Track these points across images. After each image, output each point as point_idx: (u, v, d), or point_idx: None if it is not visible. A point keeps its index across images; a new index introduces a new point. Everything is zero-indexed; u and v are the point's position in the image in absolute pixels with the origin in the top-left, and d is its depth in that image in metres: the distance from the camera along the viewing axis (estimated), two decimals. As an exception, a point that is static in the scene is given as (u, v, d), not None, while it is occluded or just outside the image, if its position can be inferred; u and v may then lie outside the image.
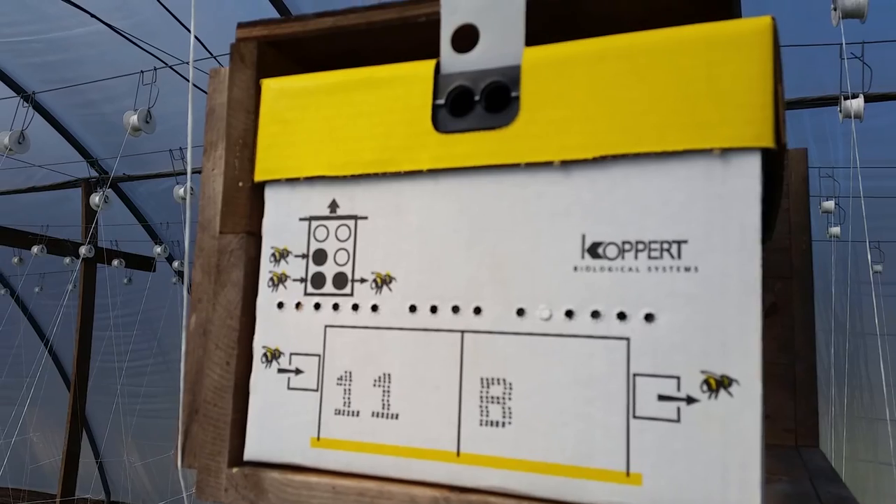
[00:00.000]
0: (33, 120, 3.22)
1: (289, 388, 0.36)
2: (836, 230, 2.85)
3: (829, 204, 2.77)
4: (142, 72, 2.69)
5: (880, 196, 2.68)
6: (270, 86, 0.38)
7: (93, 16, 2.73)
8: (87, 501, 4.94)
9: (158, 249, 4.17)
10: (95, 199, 3.42)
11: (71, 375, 4.05)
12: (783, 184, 0.39)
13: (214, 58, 2.39)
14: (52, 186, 4.01)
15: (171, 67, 2.63)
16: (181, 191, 3.13)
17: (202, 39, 2.28)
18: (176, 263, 4.28)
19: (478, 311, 0.33)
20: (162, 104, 2.75)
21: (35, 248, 3.97)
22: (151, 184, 3.95)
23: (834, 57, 2.04)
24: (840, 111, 1.97)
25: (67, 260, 4.19)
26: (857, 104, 1.91)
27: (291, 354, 0.36)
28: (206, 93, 0.45)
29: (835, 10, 1.54)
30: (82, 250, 3.77)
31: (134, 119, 2.58)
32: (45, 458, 5.33)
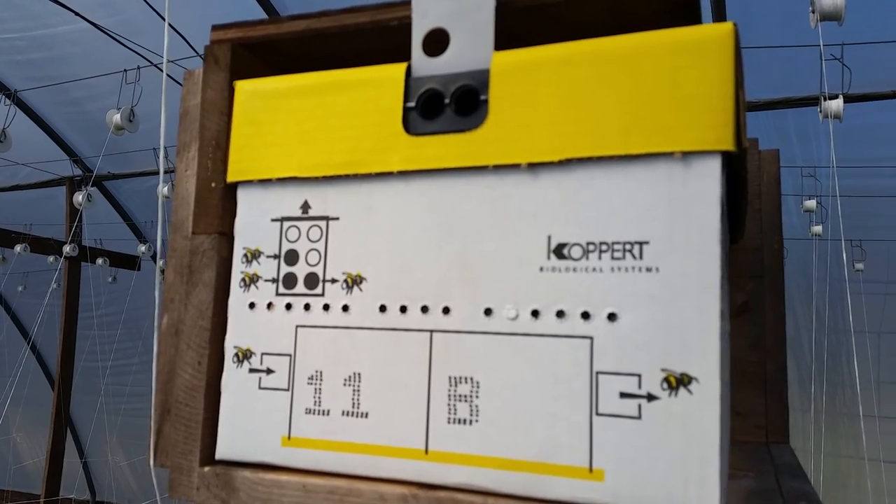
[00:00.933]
0: (17, 118, 3.19)
1: (260, 387, 0.36)
2: (818, 229, 2.88)
3: (811, 203, 2.80)
4: (125, 70, 2.67)
5: (862, 195, 2.71)
6: (244, 87, 0.39)
7: (77, 14, 2.71)
8: (72, 501, 4.90)
9: (143, 248, 4.14)
10: (79, 197, 3.39)
11: (55, 375, 4.02)
12: (747, 184, 0.40)
13: (200, 56, 2.38)
14: (35, 185, 3.97)
15: (155, 66, 2.62)
16: (166, 189, 3.11)
17: (187, 37, 2.27)
18: (161, 262, 4.26)
19: (446, 310, 0.34)
20: (146, 103, 2.73)
21: (18, 247, 3.93)
22: (136, 182, 3.92)
23: (816, 57, 2.07)
24: (820, 112, 2.00)
25: (51, 259, 4.15)
26: (836, 105, 1.93)
27: (263, 354, 0.37)
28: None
29: (813, 12, 1.56)
30: (66, 249, 3.74)
31: (117, 118, 2.57)
32: (28, 458, 5.28)
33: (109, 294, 4.42)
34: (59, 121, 3.68)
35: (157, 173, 3.45)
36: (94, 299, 4.27)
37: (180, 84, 0.47)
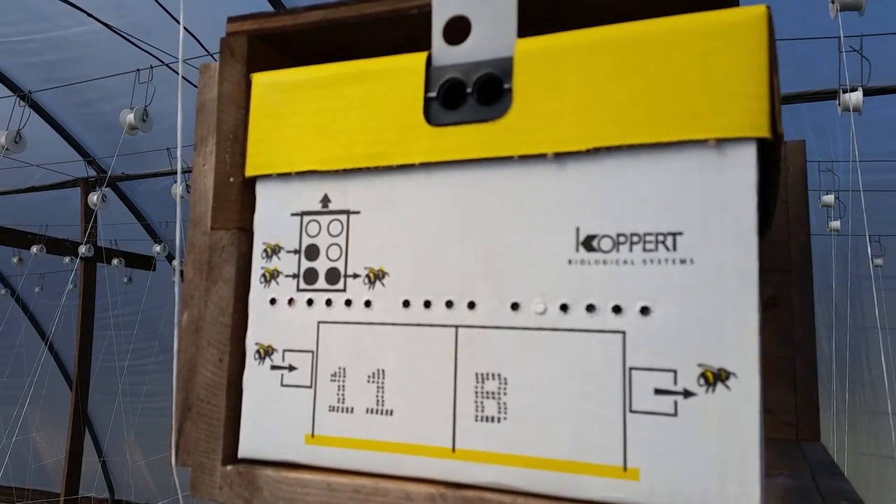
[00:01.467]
0: (31, 120, 3.21)
1: (282, 384, 0.36)
2: (836, 224, 2.84)
3: (829, 198, 2.77)
4: (138, 70, 2.68)
5: (880, 189, 2.67)
6: (261, 80, 0.38)
7: (90, 15, 2.72)
8: (91, 500, 4.94)
9: (158, 248, 4.16)
10: (94, 198, 3.41)
11: (72, 375, 4.05)
12: (780, 175, 0.39)
13: (211, 55, 2.39)
14: (50, 186, 4.00)
15: (167, 66, 2.63)
16: (181, 189, 3.12)
17: (198, 37, 2.27)
18: (175, 262, 4.28)
19: (472, 305, 0.33)
20: (159, 102, 2.74)
21: (34, 248, 3.97)
22: (150, 182, 3.94)
23: (832, 50, 2.04)
24: (839, 105, 1.97)
25: (67, 259, 4.18)
26: (855, 97, 1.90)
27: (284, 351, 0.36)
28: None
29: (833, 2, 1.53)
30: (81, 250, 3.77)
31: (131, 118, 2.58)
32: (48, 457, 5.33)
33: (125, 294, 4.45)
34: (73, 122, 3.71)
35: (171, 173, 3.47)
36: (110, 300, 4.30)
37: (193, 84, 0.46)
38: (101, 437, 5.05)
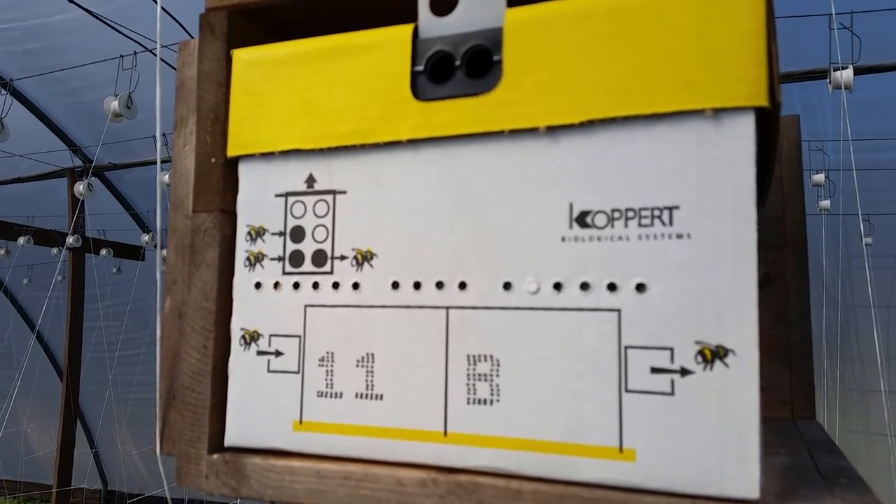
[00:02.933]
0: (15, 110, 3.16)
1: (269, 370, 0.35)
2: (825, 203, 2.85)
3: (819, 177, 2.77)
4: (121, 56, 2.64)
5: (870, 168, 2.68)
6: (241, 56, 0.37)
7: (72, 1, 2.67)
8: (84, 491, 4.93)
9: (146, 238, 4.13)
10: (80, 187, 3.37)
11: (63, 366, 4.03)
12: (777, 149, 0.38)
13: (193, 38, 2.35)
14: (36, 177, 3.95)
15: (150, 52, 2.59)
16: (166, 177, 3.09)
17: (181, 21, 2.24)
18: (163, 250, 4.25)
19: (463, 286, 0.32)
20: (146, 90, 2.70)
21: (21, 240, 3.92)
22: (138, 172, 3.90)
23: (822, 29, 2.03)
24: (829, 82, 1.96)
25: (55, 250, 4.14)
26: (846, 75, 1.90)
27: (271, 336, 0.35)
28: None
29: (824, -22, 1.52)
30: (69, 240, 3.73)
31: (115, 105, 2.54)
32: (39, 449, 5.31)
33: (114, 285, 4.41)
34: (58, 111, 3.65)
35: (156, 162, 3.43)
36: (98, 290, 4.26)
37: (166, 62, 0.45)
38: (92, 428, 5.04)
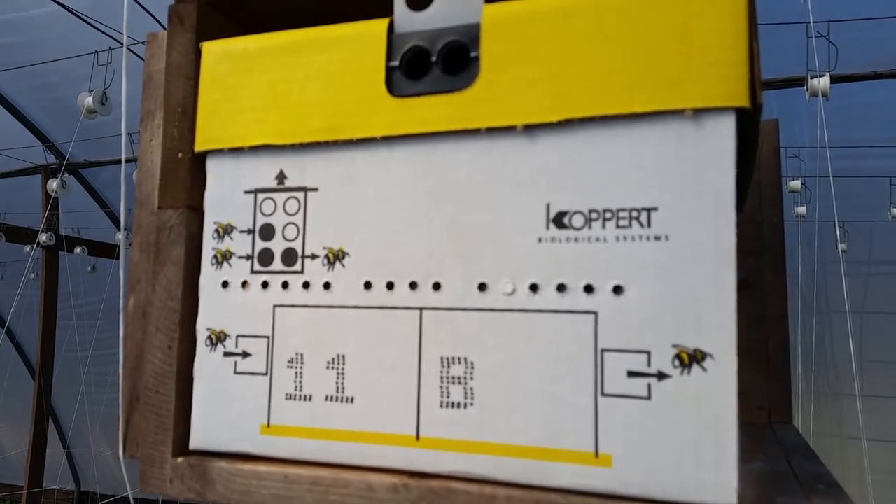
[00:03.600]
0: (-13, 104, 3.10)
1: (236, 372, 0.34)
2: (802, 210, 2.88)
3: (796, 184, 2.80)
4: (96, 52, 2.60)
5: (845, 175, 2.72)
6: (211, 49, 0.35)
7: (47, -5, 2.63)
8: (56, 492, 4.85)
9: (121, 236, 4.07)
10: (53, 184, 3.32)
11: (35, 365, 3.95)
12: (756, 152, 0.37)
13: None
14: (9, 173, 3.88)
15: (128, 48, 2.54)
16: (134, 176, 3.04)
17: (156, 16, 2.20)
18: (121, 237, 4.19)
19: (437, 286, 0.31)
20: (120, 86, 2.66)
21: (-7, 237, 3.85)
22: (113, 170, 3.84)
23: (800, 37, 2.05)
24: (807, 90, 1.98)
25: (27, 248, 4.07)
26: (823, 82, 1.92)
27: (238, 337, 0.34)
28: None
29: (802, -14, 1.54)
30: (42, 238, 3.66)
31: (89, 101, 2.49)
32: (10, 449, 5.21)
33: (88, 283, 4.34)
34: (32, 107, 3.59)
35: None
36: (72, 289, 4.20)
37: (136, 55, 0.44)
38: (65, 427, 4.95)
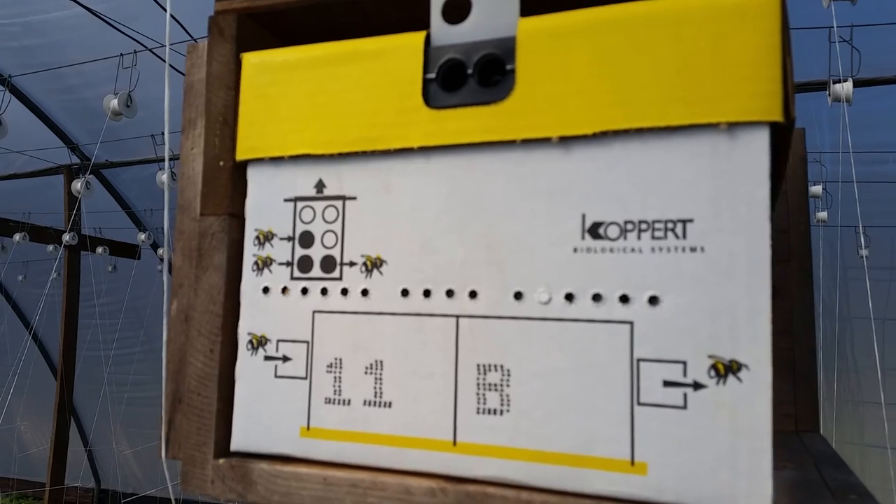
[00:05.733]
0: (12, 106, 3.15)
1: (276, 376, 0.35)
2: (823, 215, 2.85)
3: (817, 189, 2.77)
4: (121, 55, 2.64)
5: (866, 181, 2.69)
6: (251, 60, 0.36)
7: (72, -2, 2.67)
8: (77, 489, 4.91)
9: (143, 236, 4.12)
10: (77, 185, 3.36)
11: (57, 364, 4.01)
12: (787, 162, 0.38)
13: (195, 40, 2.34)
14: (33, 174, 3.94)
15: (150, 51, 2.58)
16: (163, 176, 3.08)
17: (181, 21, 2.23)
18: (161, 251, 4.23)
19: (473, 294, 0.32)
20: (144, 89, 2.70)
21: (17, 236, 3.91)
22: (135, 170, 3.89)
23: (821, 42, 2.03)
24: (829, 95, 1.97)
25: (51, 248, 4.13)
26: (846, 87, 1.90)
27: (278, 341, 0.35)
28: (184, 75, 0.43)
29: (826, -9, 1.53)
30: (65, 238, 3.72)
31: (114, 103, 2.53)
32: (33, 446, 5.28)
33: (110, 283, 4.40)
34: (56, 109, 3.64)
35: (156, 161, 3.42)
36: (94, 288, 4.25)
37: (178, 70, 0.45)
38: (86, 426, 5.01)
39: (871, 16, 2.10)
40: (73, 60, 3.12)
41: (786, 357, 0.51)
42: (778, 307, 0.52)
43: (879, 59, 2.26)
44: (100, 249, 4.05)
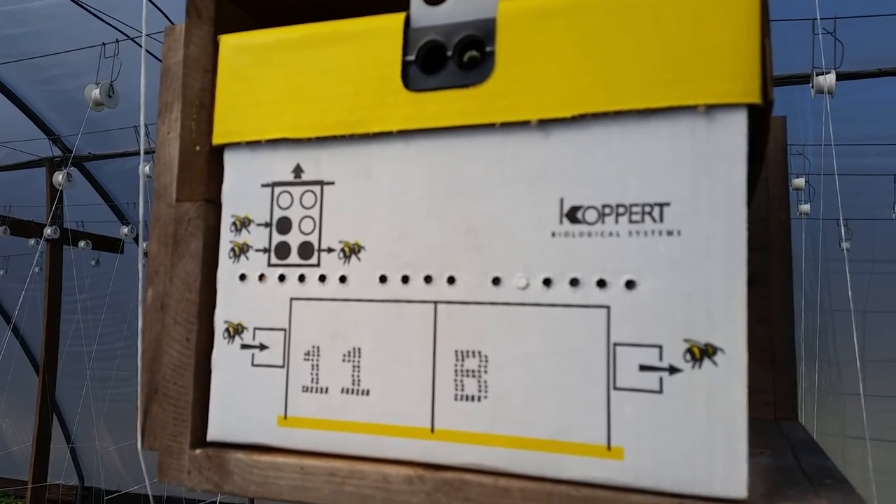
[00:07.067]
0: (-8, 97, 3.11)
1: (253, 364, 0.34)
2: (805, 207, 2.88)
3: (800, 181, 2.80)
4: (103, 44, 2.60)
5: (850, 174, 2.71)
6: (229, 42, 0.36)
7: (53, -12, 2.63)
8: (60, 487, 4.87)
9: (126, 230, 4.08)
10: (59, 177, 3.32)
11: (39, 360, 3.97)
12: (765, 148, 0.38)
13: (179, 31, 2.31)
14: (13, 166, 3.89)
15: (132, 40, 2.55)
16: (147, 168, 3.05)
17: (163, 9, 2.21)
18: (144, 244, 4.19)
19: (451, 280, 0.31)
20: (126, 79, 2.66)
21: (-3, 230, 3.85)
22: (117, 163, 3.85)
23: (805, 34, 2.05)
24: (812, 87, 1.98)
25: (32, 242, 4.08)
26: (829, 79, 1.92)
27: (255, 329, 0.34)
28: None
29: (809, -17, 1.53)
30: (47, 231, 3.67)
31: (96, 93, 2.50)
32: (14, 444, 5.23)
33: (93, 277, 4.36)
34: (37, 99, 3.59)
35: (138, 153, 3.38)
36: (77, 283, 4.20)
37: (158, 59, 0.44)
38: (69, 423, 4.97)
39: (854, 8, 2.11)
40: (55, 50, 3.08)
41: (765, 345, 0.52)
42: (758, 295, 0.52)
43: (864, 52, 2.27)
44: (82, 243, 4.01)
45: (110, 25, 2.63)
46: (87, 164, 3.90)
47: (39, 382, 3.84)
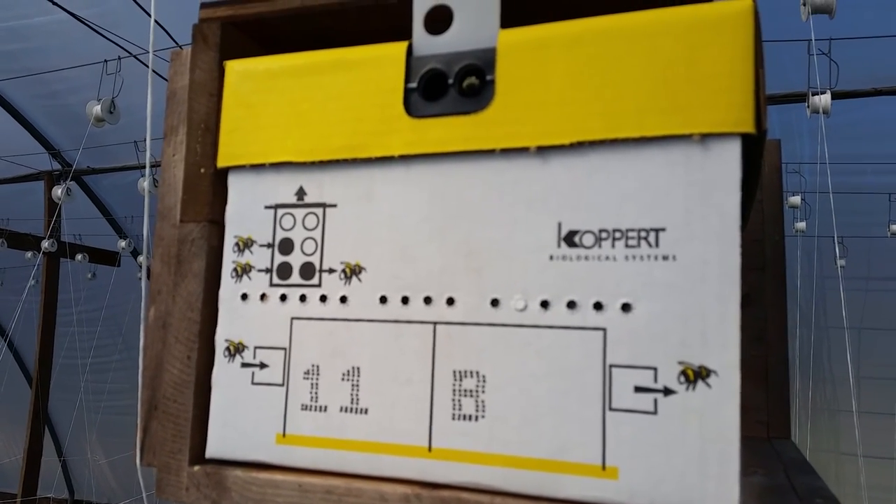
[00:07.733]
0: (-7, 110, 3.12)
1: (253, 382, 0.35)
2: (801, 225, 2.90)
3: (796, 199, 2.82)
4: (105, 61, 2.62)
5: (845, 192, 2.73)
6: (234, 67, 0.37)
7: (55, 4, 2.65)
8: (50, 500, 4.83)
9: (123, 243, 4.08)
10: (58, 191, 3.33)
11: (33, 372, 3.95)
12: (760, 172, 0.38)
13: (180, 47, 2.33)
14: (13, 179, 3.89)
15: (135, 57, 2.57)
16: (145, 183, 3.05)
17: (166, 28, 2.22)
18: (141, 258, 4.19)
19: (451, 301, 0.32)
20: (127, 95, 2.68)
21: (-5, 242, 3.85)
22: (116, 177, 3.86)
23: (801, 54, 2.07)
24: (808, 107, 2.00)
25: (29, 254, 4.07)
26: (825, 99, 1.94)
27: (256, 348, 0.35)
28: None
29: (804, 5, 1.56)
30: (44, 244, 3.67)
31: (97, 109, 2.51)
32: (6, 456, 5.19)
33: (89, 290, 4.35)
34: (38, 114, 3.61)
35: (138, 167, 3.40)
36: (73, 295, 4.20)
37: (162, 77, 0.45)
38: (61, 436, 4.94)
39: (849, 29, 2.14)
40: (57, 66, 3.09)
41: (759, 365, 0.52)
42: (752, 316, 0.53)
43: (858, 72, 2.30)
44: (79, 256, 4.01)
45: (112, 42, 2.65)
46: (85, 178, 3.91)
47: (32, 395, 3.83)
